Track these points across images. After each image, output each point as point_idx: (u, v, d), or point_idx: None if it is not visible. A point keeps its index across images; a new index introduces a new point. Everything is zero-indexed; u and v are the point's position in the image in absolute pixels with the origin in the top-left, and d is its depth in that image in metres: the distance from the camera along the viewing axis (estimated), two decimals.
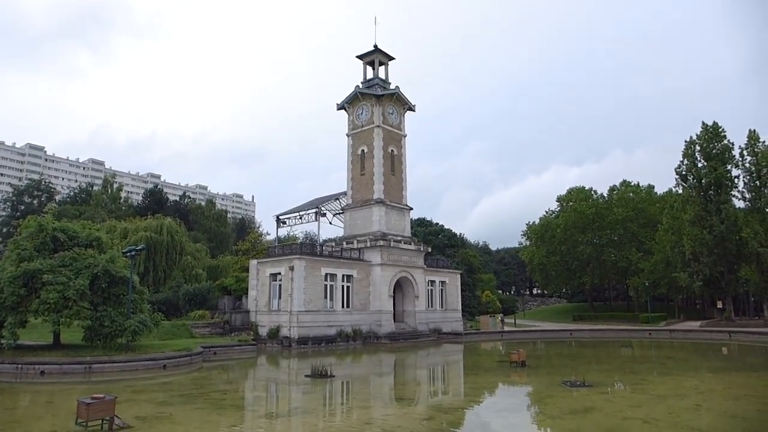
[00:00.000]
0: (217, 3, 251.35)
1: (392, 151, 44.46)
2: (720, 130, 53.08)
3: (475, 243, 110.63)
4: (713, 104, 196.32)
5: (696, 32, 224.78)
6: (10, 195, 78.03)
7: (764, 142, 52.18)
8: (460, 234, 79.60)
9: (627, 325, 55.94)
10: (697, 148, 53.74)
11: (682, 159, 54.54)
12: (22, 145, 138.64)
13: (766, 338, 39.14)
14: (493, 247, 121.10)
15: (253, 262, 39.36)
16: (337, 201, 46.98)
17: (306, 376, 20.83)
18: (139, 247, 27.16)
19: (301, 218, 46.40)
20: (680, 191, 56.74)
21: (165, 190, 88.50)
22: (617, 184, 74.60)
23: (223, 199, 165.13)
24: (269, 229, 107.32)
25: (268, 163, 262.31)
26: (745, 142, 52.72)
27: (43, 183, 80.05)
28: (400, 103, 45.80)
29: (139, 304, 24.64)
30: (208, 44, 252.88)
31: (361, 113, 44.67)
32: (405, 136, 46.43)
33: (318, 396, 17.59)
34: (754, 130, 52.56)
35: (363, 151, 43.93)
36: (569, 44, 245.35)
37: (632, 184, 74.18)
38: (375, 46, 46.09)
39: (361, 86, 45.56)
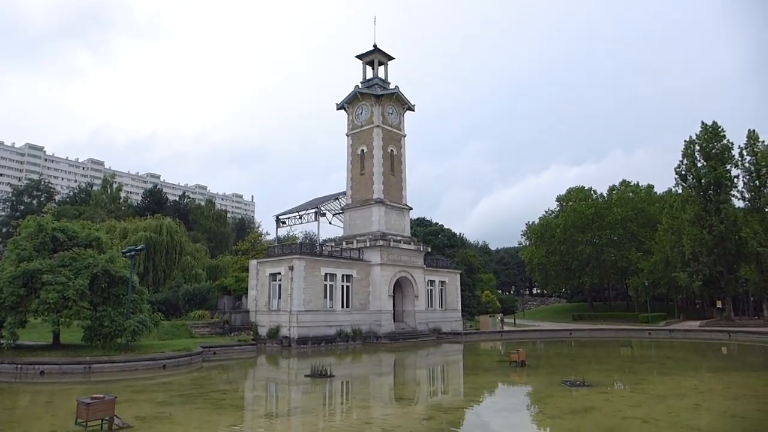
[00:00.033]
0: (217, 3, 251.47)
1: (392, 151, 44.46)
2: (719, 129, 53.12)
3: (475, 243, 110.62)
4: (713, 104, 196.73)
5: (696, 32, 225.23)
6: (10, 195, 77.90)
7: (764, 141, 52.23)
8: (460, 234, 79.71)
9: (626, 324, 55.96)
10: (697, 147, 53.79)
11: (681, 159, 54.61)
12: (21, 145, 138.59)
13: (766, 338, 39.17)
14: (492, 247, 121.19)
15: (253, 262, 39.36)
16: (337, 201, 46.98)
17: (306, 375, 20.83)
18: (138, 247, 27.13)
19: (300, 218, 46.40)
20: (680, 191, 56.77)
21: (164, 190, 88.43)
22: (617, 183, 74.75)
23: (222, 199, 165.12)
24: (269, 229, 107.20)
25: (268, 163, 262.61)
26: (745, 141, 52.78)
27: (42, 183, 79.96)
28: (399, 103, 45.80)
29: (139, 304, 24.64)
30: (208, 44, 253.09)
31: (361, 113, 44.67)
32: (405, 136, 46.43)
33: (318, 396, 17.59)
34: (754, 130, 52.64)
35: (362, 151, 43.93)
36: (569, 44, 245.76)
37: (632, 184, 74.22)
38: (374, 46, 46.09)
39: (360, 86, 45.57)
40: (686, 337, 44.60)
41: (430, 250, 48.73)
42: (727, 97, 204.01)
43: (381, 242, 40.51)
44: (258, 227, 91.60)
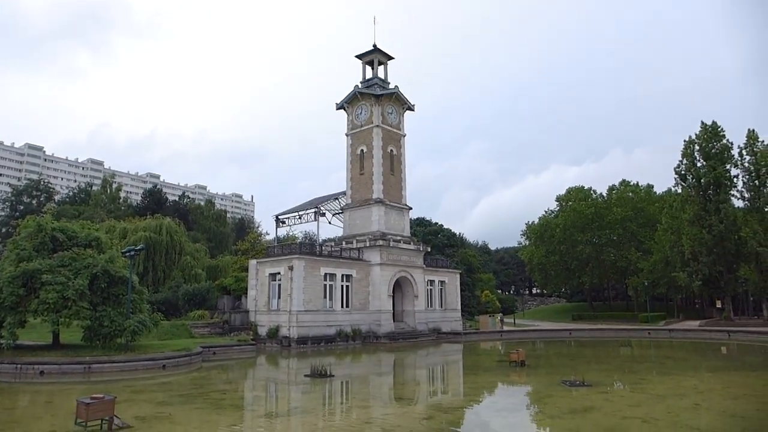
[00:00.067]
0: (217, 3, 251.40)
1: (391, 150, 44.46)
2: (719, 129, 53.13)
3: (475, 243, 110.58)
4: (713, 104, 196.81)
5: (696, 32, 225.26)
6: (9, 195, 77.91)
7: (763, 141, 52.25)
8: (460, 234, 79.62)
9: (626, 324, 55.98)
10: (696, 147, 53.79)
11: (681, 158, 54.61)
12: (21, 144, 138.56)
13: (765, 338, 39.19)
14: (492, 247, 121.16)
15: (253, 262, 39.36)
16: (337, 201, 46.98)
17: (305, 375, 20.82)
18: (138, 247, 27.12)
19: (300, 218, 46.40)
20: (679, 191, 56.78)
21: (164, 190, 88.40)
22: (616, 183, 74.70)
23: (222, 199, 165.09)
24: (269, 229, 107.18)
25: (267, 163, 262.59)
26: (744, 141, 52.81)
27: (42, 183, 79.95)
28: (399, 102, 45.80)
29: (139, 304, 24.63)
30: (208, 44, 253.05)
31: (361, 113, 44.66)
32: (404, 136, 46.43)
33: (317, 396, 17.58)
34: (753, 130, 52.68)
35: (362, 150, 43.93)
36: (569, 44, 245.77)
37: (631, 183, 74.20)
38: (374, 46, 46.08)
39: (360, 86, 45.57)
40: (686, 337, 44.62)
41: (429, 249, 48.73)
42: (727, 97, 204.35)
43: (381, 242, 40.51)
44: (258, 227, 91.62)
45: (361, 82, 46.26)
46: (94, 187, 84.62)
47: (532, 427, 13.52)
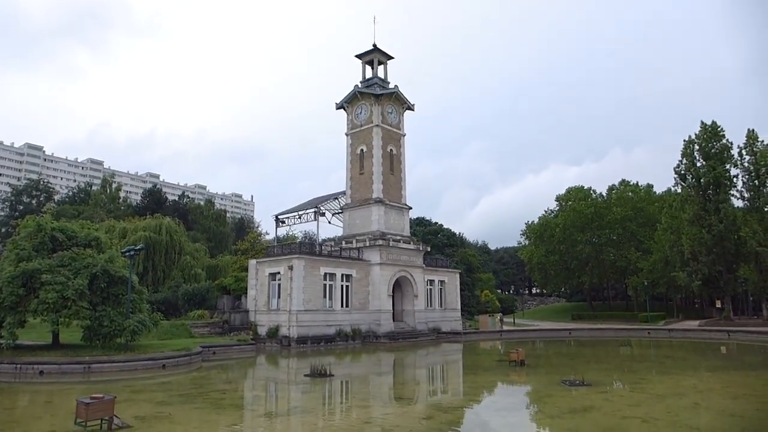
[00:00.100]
0: (217, 3, 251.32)
1: (391, 150, 44.46)
2: (719, 129, 53.16)
3: (474, 242, 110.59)
4: (713, 104, 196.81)
5: (696, 32, 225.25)
6: (9, 195, 77.92)
7: (763, 141, 52.32)
8: (460, 233, 79.62)
9: (626, 324, 56.00)
10: (696, 147, 53.83)
11: (681, 158, 54.65)
12: (20, 144, 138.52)
13: (765, 337, 39.23)
14: (492, 247, 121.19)
15: (252, 262, 39.35)
16: (336, 200, 46.98)
17: (305, 375, 20.82)
18: (138, 247, 27.12)
19: (300, 218, 46.39)
20: (679, 190, 56.82)
21: (164, 189, 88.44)
22: (616, 183, 74.71)
23: (222, 199, 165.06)
24: (268, 229, 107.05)
25: (267, 163, 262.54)
26: (744, 141, 52.85)
27: (41, 183, 79.96)
28: (399, 102, 45.79)
29: (138, 303, 24.63)
30: (207, 44, 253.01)
31: (360, 112, 44.66)
32: (404, 136, 46.42)
33: (317, 395, 17.58)
34: (753, 130, 52.74)
35: (362, 150, 43.92)
36: (569, 44, 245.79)
37: (631, 183, 74.18)
38: (374, 45, 46.07)
39: (360, 85, 45.56)
40: (685, 337, 44.65)
41: (429, 249, 48.72)
42: (727, 97, 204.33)
43: (380, 242, 40.51)
44: (257, 227, 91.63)
45: (360, 82, 46.25)
46: (94, 187, 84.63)
47: (531, 427, 13.52)
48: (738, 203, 53.81)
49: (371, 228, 41.93)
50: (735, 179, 52.69)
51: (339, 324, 36.96)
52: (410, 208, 45.88)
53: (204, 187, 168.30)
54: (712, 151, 52.76)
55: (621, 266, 67.37)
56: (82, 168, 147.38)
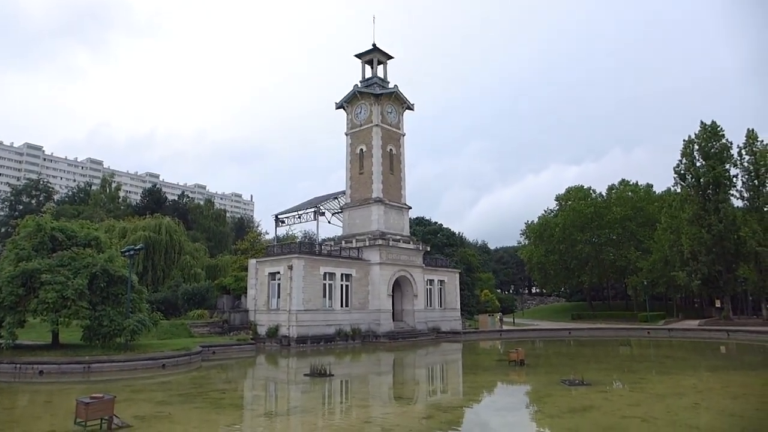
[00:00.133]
0: (217, 3, 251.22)
1: (391, 150, 44.45)
2: (718, 129, 53.20)
3: (474, 242, 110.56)
4: (713, 104, 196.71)
5: (696, 32, 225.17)
6: (9, 195, 77.91)
7: (762, 141, 52.35)
8: (459, 233, 79.57)
9: (625, 323, 56.03)
10: (696, 147, 53.86)
11: (680, 158, 54.69)
12: (20, 144, 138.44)
13: (765, 337, 39.26)
14: (492, 246, 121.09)
15: (252, 262, 39.35)
16: (336, 200, 46.98)
17: (305, 375, 20.82)
18: (137, 247, 27.12)
19: (299, 218, 46.38)
20: (679, 190, 56.84)
21: (163, 189, 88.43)
22: (616, 183, 74.63)
23: (221, 199, 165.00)
24: (268, 229, 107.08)
25: (267, 163, 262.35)
26: (744, 141, 52.85)
27: (41, 182, 79.97)
28: (398, 102, 45.78)
29: (138, 303, 24.63)
30: (207, 44, 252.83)
31: (360, 112, 44.65)
32: (404, 135, 46.42)
33: (317, 395, 17.58)
34: (753, 130, 52.77)
35: (362, 150, 43.92)
36: (569, 44, 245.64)
37: (631, 183, 74.12)
38: (373, 45, 46.06)
39: (359, 85, 45.55)
40: (685, 336, 44.67)
41: (429, 249, 48.73)
42: (726, 97, 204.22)
43: (380, 241, 40.50)
44: (257, 227, 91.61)
45: (360, 82, 46.25)
46: (94, 187, 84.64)
47: (531, 427, 13.53)
48: (738, 203, 53.93)
49: (371, 228, 41.93)
50: (735, 179, 52.77)
51: (339, 324, 36.96)
52: (410, 207, 45.90)
53: (204, 187, 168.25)
54: (712, 150, 52.79)
55: (621, 266, 67.37)
56: (82, 168, 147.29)
